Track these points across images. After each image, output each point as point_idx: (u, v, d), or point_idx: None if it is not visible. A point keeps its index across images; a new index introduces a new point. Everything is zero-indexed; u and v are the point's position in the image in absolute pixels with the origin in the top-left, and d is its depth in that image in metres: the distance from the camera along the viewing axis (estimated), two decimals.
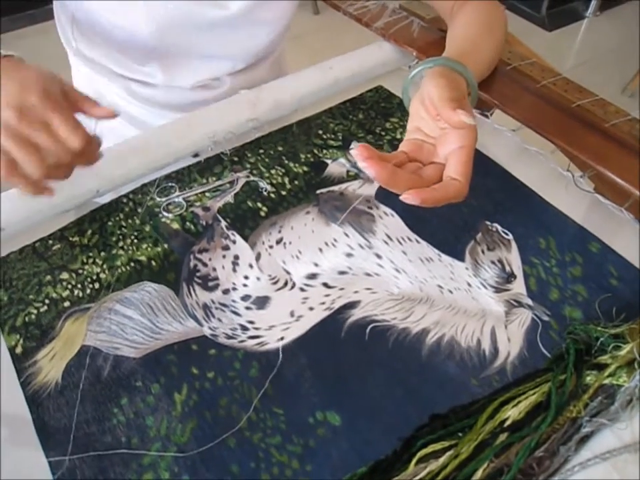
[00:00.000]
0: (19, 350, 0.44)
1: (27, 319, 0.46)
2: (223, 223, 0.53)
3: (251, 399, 0.41)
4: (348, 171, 0.57)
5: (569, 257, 0.49)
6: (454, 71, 0.46)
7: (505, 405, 0.39)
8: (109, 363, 0.43)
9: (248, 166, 0.58)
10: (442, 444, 0.37)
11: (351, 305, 0.46)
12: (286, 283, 0.48)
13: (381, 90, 0.67)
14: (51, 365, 0.43)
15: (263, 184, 0.56)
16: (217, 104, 0.61)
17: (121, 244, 0.51)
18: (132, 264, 0.50)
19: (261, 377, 0.42)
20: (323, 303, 0.46)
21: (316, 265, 0.49)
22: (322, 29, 2.40)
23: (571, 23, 2.52)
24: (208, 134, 0.58)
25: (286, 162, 0.58)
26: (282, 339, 0.44)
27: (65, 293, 0.48)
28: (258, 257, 0.50)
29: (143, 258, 0.50)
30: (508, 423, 0.38)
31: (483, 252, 0.49)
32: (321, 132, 0.61)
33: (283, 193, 0.55)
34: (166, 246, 0.51)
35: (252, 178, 0.57)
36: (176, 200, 0.55)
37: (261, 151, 0.59)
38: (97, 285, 0.48)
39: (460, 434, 0.38)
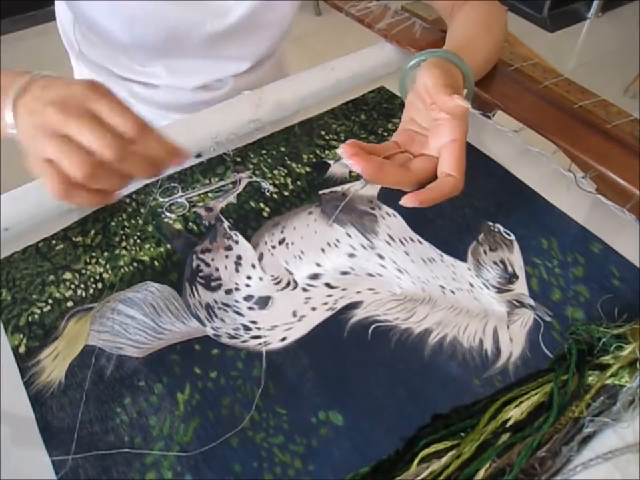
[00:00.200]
0: (22, 349, 0.44)
1: (30, 318, 0.46)
2: (226, 224, 0.53)
3: (253, 398, 0.41)
4: (350, 172, 0.57)
5: (571, 257, 0.49)
6: (450, 63, 0.47)
7: (507, 405, 0.39)
8: (112, 362, 0.43)
9: (250, 166, 0.58)
10: (444, 444, 0.37)
11: (354, 305, 0.46)
12: (288, 283, 0.48)
13: (383, 91, 0.67)
14: (54, 364, 0.43)
15: (266, 184, 0.56)
16: (219, 105, 0.61)
17: (123, 244, 0.51)
18: (135, 264, 0.50)
19: (263, 377, 0.42)
20: (326, 303, 0.46)
21: (318, 265, 0.49)
22: (324, 30, 2.40)
23: (573, 24, 2.52)
24: (210, 135, 0.58)
25: (288, 162, 0.58)
26: (284, 339, 0.44)
27: (68, 293, 0.48)
28: (260, 257, 0.50)
29: (145, 258, 0.50)
30: (510, 423, 0.38)
31: (485, 252, 0.50)
32: (323, 133, 0.61)
33: (286, 193, 0.55)
34: (169, 246, 0.51)
35: (254, 178, 0.57)
36: (179, 200, 0.55)
37: (264, 152, 0.60)
38: (99, 285, 0.48)
39: (462, 434, 0.38)
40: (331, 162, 0.58)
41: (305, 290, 0.47)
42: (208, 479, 0.38)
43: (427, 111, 0.44)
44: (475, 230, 0.51)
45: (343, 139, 0.61)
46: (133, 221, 0.53)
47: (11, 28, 2.36)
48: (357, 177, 0.57)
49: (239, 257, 0.50)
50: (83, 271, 0.49)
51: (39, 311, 0.47)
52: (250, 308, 0.46)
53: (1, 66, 0.47)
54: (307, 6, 2.50)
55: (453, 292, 0.47)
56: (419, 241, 0.51)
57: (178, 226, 0.53)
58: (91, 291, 0.48)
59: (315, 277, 0.48)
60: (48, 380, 0.43)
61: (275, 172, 0.57)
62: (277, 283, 0.48)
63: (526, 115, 0.57)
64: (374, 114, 0.64)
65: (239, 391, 0.42)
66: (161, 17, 0.58)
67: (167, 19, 0.58)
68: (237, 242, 0.51)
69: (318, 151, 0.59)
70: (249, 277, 0.48)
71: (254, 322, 0.45)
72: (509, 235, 0.51)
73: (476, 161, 0.58)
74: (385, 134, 0.61)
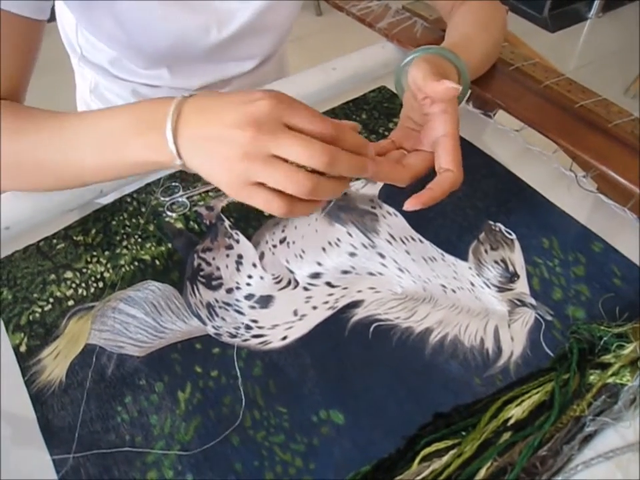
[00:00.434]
0: (23, 348, 0.44)
1: (31, 317, 0.46)
2: (227, 223, 0.53)
3: (254, 397, 0.41)
4: None
5: (572, 256, 0.49)
6: (445, 58, 0.47)
7: (509, 404, 0.39)
8: (113, 361, 0.43)
9: None
10: (445, 443, 0.37)
11: (355, 304, 0.46)
12: (289, 282, 0.48)
13: (384, 90, 0.67)
14: (55, 363, 0.43)
15: None
16: None
17: (124, 243, 0.51)
18: (136, 263, 0.50)
19: (264, 376, 0.42)
20: (327, 302, 0.46)
21: (319, 264, 0.49)
22: (324, 30, 2.41)
23: (574, 25, 2.52)
24: None
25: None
26: (285, 338, 0.44)
27: (69, 292, 0.48)
28: (261, 256, 0.50)
29: (146, 257, 0.50)
30: (511, 422, 0.38)
31: (486, 251, 0.50)
32: None
33: None
34: (170, 245, 0.51)
35: None
36: (180, 199, 0.55)
37: None
38: (100, 284, 0.48)
39: (463, 433, 0.38)
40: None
41: (305, 289, 0.47)
42: (209, 478, 0.38)
43: (420, 107, 0.44)
44: (476, 229, 0.51)
45: None
46: (134, 220, 0.53)
47: None
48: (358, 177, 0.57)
49: (240, 256, 0.50)
50: (84, 270, 0.49)
51: (39, 310, 0.47)
52: (251, 307, 0.46)
53: None
54: (308, 6, 2.50)
55: (454, 291, 0.47)
56: (420, 240, 0.51)
57: (179, 225, 0.53)
58: (92, 289, 0.48)
59: (315, 275, 0.48)
60: (49, 379, 0.43)
61: None
62: (278, 282, 0.48)
63: (527, 114, 0.57)
64: (375, 113, 0.64)
65: (240, 390, 0.41)
66: (167, 24, 0.58)
67: (172, 26, 0.58)
68: (237, 241, 0.51)
69: None
70: (249, 276, 0.48)
71: (255, 321, 0.45)
72: (510, 234, 0.51)
73: (477, 160, 0.58)
74: (386, 133, 0.61)
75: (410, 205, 0.40)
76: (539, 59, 0.66)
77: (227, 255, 0.50)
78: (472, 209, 0.53)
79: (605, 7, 2.56)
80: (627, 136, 0.54)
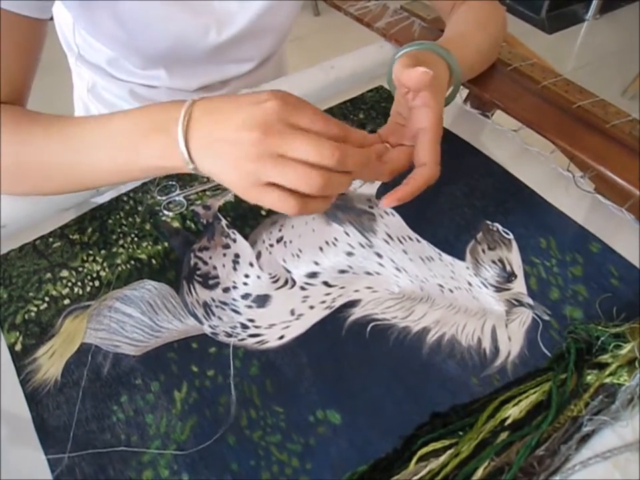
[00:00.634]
0: (18, 347, 0.44)
1: (26, 316, 0.46)
2: (224, 222, 0.53)
3: (251, 397, 0.41)
4: None
5: (570, 256, 0.49)
6: (436, 54, 0.46)
7: (506, 403, 0.39)
8: (109, 360, 0.43)
9: None
10: (442, 442, 0.37)
11: (352, 304, 0.46)
12: (286, 282, 0.48)
13: (381, 90, 0.67)
14: (51, 362, 0.43)
15: None
16: None
17: (121, 242, 0.51)
18: (132, 262, 0.50)
19: (261, 375, 0.42)
20: (324, 302, 0.46)
21: (316, 263, 0.49)
22: (322, 30, 2.41)
23: (571, 26, 2.52)
24: None
25: None
26: (282, 337, 0.44)
27: (65, 291, 0.48)
28: (258, 256, 0.50)
29: (143, 256, 0.50)
30: (509, 421, 0.38)
31: (483, 251, 0.49)
32: None
33: None
34: (166, 244, 0.51)
35: None
36: (176, 198, 0.55)
37: None
38: (97, 283, 0.48)
39: (460, 433, 0.38)
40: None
41: (302, 288, 0.47)
42: (205, 478, 0.37)
43: (405, 101, 0.44)
44: (473, 229, 0.51)
45: None
46: (130, 219, 0.53)
47: None
48: None
49: (237, 255, 0.50)
50: (80, 269, 0.49)
51: (35, 309, 0.46)
52: (248, 306, 0.46)
53: None
54: (306, 6, 2.50)
55: (451, 291, 0.47)
56: (418, 240, 0.51)
57: (176, 224, 0.53)
58: (88, 288, 0.48)
59: (313, 275, 0.48)
60: (44, 378, 0.42)
61: None
62: (275, 282, 0.48)
63: (525, 114, 0.57)
64: (372, 113, 0.64)
65: (236, 389, 0.41)
66: (167, 25, 0.58)
67: (172, 27, 0.58)
68: (234, 240, 0.51)
69: None
70: (246, 275, 0.48)
71: (251, 320, 0.45)
72: (507, 234, 0.51)
73: (475, 160, 0.58)
74: None
75: (386, 203, 0.41)
76: (537, 60, 0.66)
77: (224, 254, 0.50)
78: (469, 208, 0.53)
79: (602, 9, 2.56)
80: (624, 136, 0.54)
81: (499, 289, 0.47)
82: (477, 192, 0.55)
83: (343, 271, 0.49)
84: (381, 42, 0.70)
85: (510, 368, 0.42)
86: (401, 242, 0.51)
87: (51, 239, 0.51)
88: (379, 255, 0.50)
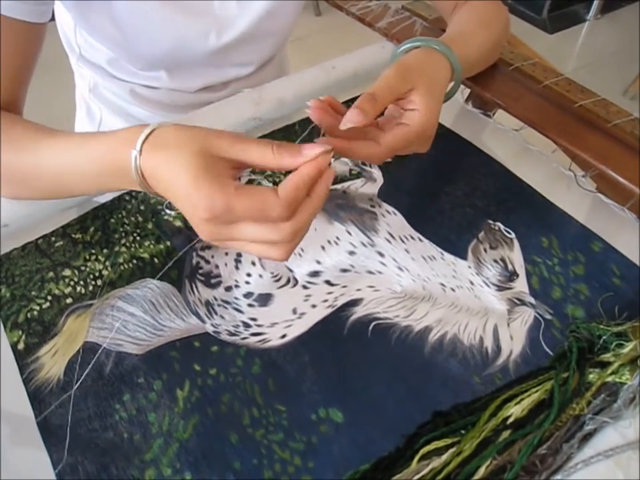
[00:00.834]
0: (21, 346, 0.44)
1: (29, 315, 0.46)
2: None
3: (253, 395, 0.41)
4: (350, 170, 0.57)
5: (571, 255, 0.49)
6: (436, 51, 0.46)
7: (508, 402, 0.39)
8: (111, 359, 0.43)
9: None
10: (444, 441, 0.37)
11: (354, 303, 0.46)
12: (288, 281, 0.48)
13: None
14: (53, 361, 0.43)
15: (265, 182, 0.56)
16: (219, 102, 0.61)
17: (123, 241, 0.51)
18: (134, 261, 0.50)
19: (263, 374, 0.42)
20: (326, 301, 0.46)
21: (318, 262, 0.49)
22: (324, 30, 2.41)
23: (572, 26, 2.52)
24: None
25: None
26: (284, 336, 0.44)
27: (68, 290, 0.48)
28: None
29: (145, 255, 0.50)
30: (511, 420, 0.38)
31: (485, 250, 0.49)
32: (323, 131, 0.61)
33: None
34: (168, 243, 0.51)
35: (254, 176, 0.57)
36: None
37: None
38: (99, 282, 0.48)
39: (462, 431, 0.38)
40: (331, 160, 0.58)
41: (305, 287, 0.47)
42: (207, 476, 0.37)
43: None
44: (475, 228, 0.51)
45: None
46: (132, 218, 0.53)
47: None
48: (357, 175, 0.57)
49: (239, 254, 0.50)
50: (83, 268, 0.49)
51: (38, 308, 0.46)
52: (250, 305, 0.46)
53: None
54: (307, 6, 2.50)
55: (453, 290, 0.47)
56: (419, 239, 0.51)
57: (178, 223, 0.53)
58: (91, 287, 0.48)
59: (315, 274, 0.48)
60: (47, 377, 0.42)
61: None
62: (277, 280, 0.48)
63: (526, 113, 0.57)
64: None
65: (239, 388, 0.41)
66: (165, 29, 0.58)
67: (171, 30, 0.58)
68: None
69: None
70: (248, 274, 0.48)
71: (254, 319, 0.45)
72: (509, 233, 0.51)
73: (476, 160, 0.58)
74: None
75: (321, 144, 0.38)
76: (538, 59, 0.66)
77: (226, 253, 0.50)
78: (471, 208, 0.53)
79: (603, 9, 2.56)
80: (626, 136, 0.54)
81: (500, 288, 0.47)
82: (479, 191, 0.55)
83: (345, 270, 0.49)
84: (382, 42, 0.70)
85: (512, 367, 0.42)
86: (402, 241, 0.51)
87: (53, 238, 0.52)
88: (381, 254, 0.50)
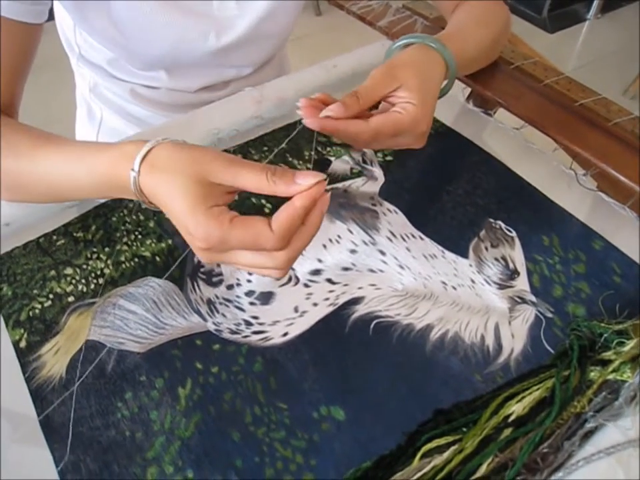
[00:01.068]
0: (23, 344, 0.44)
1: (31, 313, 0.46)
2: None
3: (255, 393, 0.41)
4: (352, 169, 0.57)
5: (572, 254, 0.49)
6: (430, 48, 0.46)
7: (509, 400, 0.39)
8: (113, 357, 0.43)
9: None
10: (446, 439, 0.37)
11: (355, 301, 0.46)
12: (290, 279, 0.48)
13: None
14: (55, 359, 0.43)
15: None
16: (221, 101, 0.61)
17: (125, 240, 0.51)
18: (136, 259, 0.50)
19: (264, 372, 0.42)
20: (327, 299, 0.46)
21: (320, 261, 0.49)
22: (324, 30, 2.41)
23: (572, 25, 2.52)
24: (212, 131, 0.58)
25: (289, 159, 0.58)
26: (286, 334, 0.44)
27: (69, 288, 0.48)
28: None
29: (147, 253, 0.50)
30: (512, 418, 0.38)
31: (486, 249, 0.50)
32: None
33: None
34: (170, 242, 0.51)
35: None
36: None
37: (265, 149, 0.60)
38: (100, 280, 0.48)
39: (464, 429, 0.38)
40: (332, 159, 0.58)
41: (306, 285, 0.47)
42: (209, 474, 0.37)
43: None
44: (476, 226, 0.51)
45: None
46: (134, 217, 0.53)
47: None
48: (358, 174, 0.57)
49: None
50: (84, 266, 0.49)
51: (39, 306, 0.47)
52: (251, 303, 0.46)
53: None
54: (307, 6, 2.50)
55: (454, 288, 0.47)
56: (421, 237, 0.51)
57: None
58: (92, 286, 0.48)
59: (316, 272, 0.48)
60: (49, 375, 0.42)
61: None
62: (278, 279, 0.48)
63: (527, 112, 0.57)
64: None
65: (241, 386, 0.41)
66: (165, 30, 0.57)
67: (170, 31, 0.58)
68: None
69: (319, 148, 0.59)
70: (250, 273, 0.48)
71: (255, 317, 0.45)
72: (510, 231, 0.51)
73: (477, 158, 0.58)
74: None
75: (309, 121, 0.39)
76: (539, 58, 0.66)
77: None
78: (472, 206, 0.53)
79: (603, 8, 2.56)
80: (626, 135, 0.54)
81: (501, 286, 0.47)
82: (480, 190, 0.55)
83: (346, 269, 0.49)
84: (382, 40, 0.70)
85: (513, 365, 0.42)
86: (404, 239, 0.51)
87: (54, 237, 0.52)
88: (382, 253, 0.50)
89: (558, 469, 0.35)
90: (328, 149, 0.60)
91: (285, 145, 0.60)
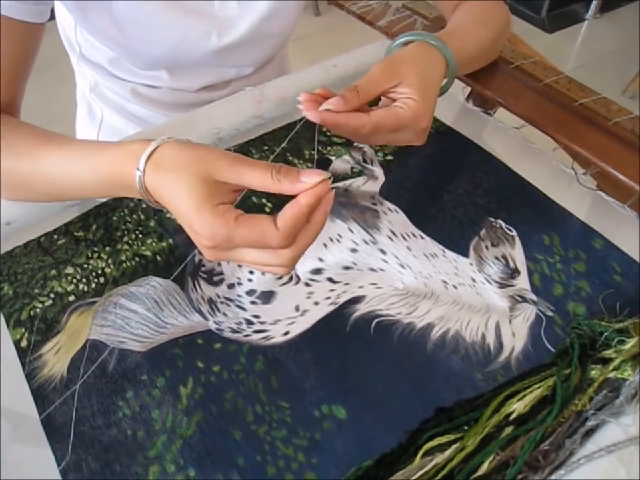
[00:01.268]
0: (24, 343, 0.44)
1: (32, 312, 0.46)
2: None
3: (256, 392, 0.41)
4: (352, 168, 0.57)
5: (573, 253, 0.49)
6: (430, 45, 0.47)
7: (510, 398, 0.39)
8: (114, 356, 0.43)
9: None
10: (448, 437, 0.37)
11: (356, 300, 0.46)
12: (291, 278, 0.48)
13: None
14: (56, 358, 0.43)
15: None
16: (221, 101, 0.61)
17: (125, 239, 0.51)
18: (137, 259, 0.50)
19: (266, 371, 0.42)
20: (328, 298, 0.46)
21: (320, 260, 0.49)
22: (323, 30, 2.41)
23: (571, 25, 2.53)
24: (213, 130, 0.58)
25: (290, 159, 0.58)
26: (287, 333, 0.44)
27: (70, 287, 0.48)
28: None
29: (147, 253, 0.50)
30: (513, 416, 0.38)
31: (487, 248, 0.50)
32: (324, 129, 0.62)
33: None
34: (171, 241, 0.51)
35: None
36: None
37: (265, 148, 0.60)
38: (101, 280, 0.48)
39: (465, 427, 0.38)
40: (332, 158, 0.58)
41: (307, 285, 0.47)
42: (211, 473, 0.37)
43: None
44: (476, 226, 0.52)
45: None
46: (134, 216, 0.53)
47: None
48: (359, 173, 0.57)
49: None
50: (85, 266, 0.49)
51: (40, 305, 0.47)
52: (252, 302, 0.46)
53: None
54: (306, 6, 2.50)
55: (455, 287, 0.47)
56: (421, 237, 0.51)
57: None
58: (93, 285, 0.48)
59: (317, 271, 0.48)
60: (50, 374, 0.42)
61: None
62: (279, 278, 0.48)
63: (527, 112, 0.58)
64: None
65: (242, 385, 0.42)
66: (166, 30, 0.57)
67: (171, 31, 0.58)
68: None
69: (320, 147, 0.60)
70: (251, 272, 0.48)
71: (256, 316, 0.45)
72: (510, 230, 0.51)
73: (477, 158, 0.58)
74: None
75: (309, 113, 0.39)
76: (539, 57, 0.66)
77: None
78: (472, 205, 0.53)
79: (602, 8, 2.57)
80: (626, 134, 0.54)
81: (502, 285, 0.47)
82: (480, 189, 0.55)
83: (347, 267, 0.49)
84: (383, 40, 0.70)
85: (514, 363, 0.42)
86: (404, 238, 0.51)
87: (55, 236, 0.52)
88: (383, 252, 0.50)
89: (559, 466, 0.35)
90: (328, 148, 0.60)
91: (285, 144, 0.60)
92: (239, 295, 0.47)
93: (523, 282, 0.47)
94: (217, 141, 0.58)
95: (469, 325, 0.44)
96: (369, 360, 0.43)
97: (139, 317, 0.46)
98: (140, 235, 0.52)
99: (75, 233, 0.52)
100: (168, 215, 0.53)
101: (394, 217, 0.53)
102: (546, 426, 0.37)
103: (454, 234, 0.51)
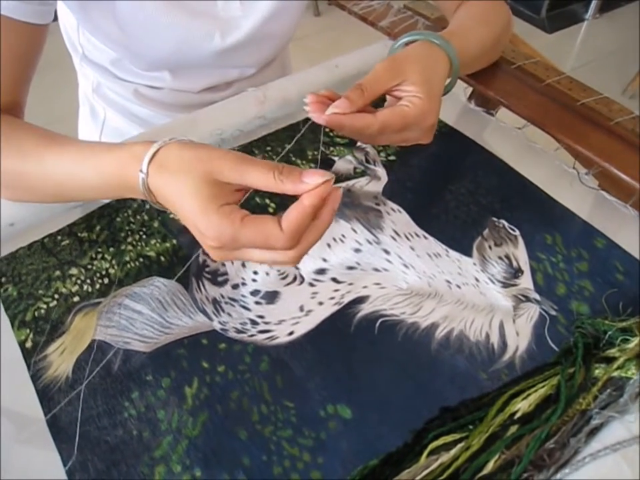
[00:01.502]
0: (28, 344, 0.44)
1: (36, 313, 0.46)
2: None
3: (261, 392, 0.41)
4: (355, 168, 0.58)
5: (575, 252, 0.49)
6: (434, 44, 0.47)
7: (515, 397, 0.39)
8: (119, 357, 0.43)
9: None
10: (453, 436, 0.37)
11: (360, 300, 0.46)
12: (295, 278, 0.48)
13: None
14: (61, 359, 0.43)
15: None
16: (224, 101, 0.61)
17: (129, 239, 0.51)
18: (141, 259, 0.50)
19: (271, 371, 0.42)
20: (332, 298, 0.47)
21: (324, 260, 0.49)
22: (323, 30, 2.41)
23: (571, 25, 2.53)
24: (215, 131, 0.58)
25: (293, 159, 0.59)
26: (292, 333, 0.44)
27: (75, 288, 0.48)
28: None
29: (151, 253, 0.50)
30: (518, 415, 0.38)
31: (490, 247, 0.50)
32: (327, 129, 0.62)
33: None
34: (175, 241, 0.51)
35: None
36: None
37: (268, 148, 0.60)
38: (106, 280, 0.48)
39: (470, 426, 0.38)
40: (335, 158, 0.59)
41: (311, 285, 0.48)
42: (217, 473, 0.38)
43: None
44: (479, 225, 0.52)
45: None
46: (138, 217, 0.53)
47: None
48: (362, 174, 0.57)
49: None
50: (89, 266, 0.49)
51: (45, 306, 0.47)
52: (257, 302, 0.47)
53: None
54: (307, 7, 2.50)
55: (458, 287, 0.47)
56: (425, 237, 0.51)
57: None
58: (97, 286, 0.48)
59: (321, 271, 0.49)
60: (55, 375, 0.43)
61: None
62: (284, 278, 0.48)
63: (529, 112, 0.58)
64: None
65: (247, 385, 0.42)
66: (169, 30, 0.58)
67: (174, 32, 0.58)
68: None
69: (322, 148, 0.60)
70: (255, 272, 0.49)
71: (261, 316, 0.46)
72: (513, 230, 0.51)
73: (479, 158, 0.58)
74: None
75: (315, 115, 0.40)
76: (540, 57, 0.67)
77: None
78: (475, 205, 0.54)
79: (602, 8, 2.57)
80: (628, 134, 0.54)
81: (505, 285, 0.47)
82: (482, 189, 0.55)
83: (351, 268, 0.49)
84: (385, 41, 0.70)
85: (518, 362, 0.42)
86: (408, 238, 0.51)
87: (59, 237, 0.52)
88: (387, 252, 0.50)
89: (564, 465, 0.36)
90: (331, 148, 0.60)
91: (288, 144, 0.60)
92: (243, 295, 0.47)
93: (526, 281, 0.47)
94: (220, 142, 0.58)
95: (472, 324, 0.45)
96: (374, 360, 0.43)
97: (143, 317, 0.46)
98: (144, 236, 0.52)
99: (79, 234, 0.52)
100: (172, 216, 0.53)
101: (397, 217, 0.53)
102: (551, 425, 0.37)
103: (457, 234, 0.51)
